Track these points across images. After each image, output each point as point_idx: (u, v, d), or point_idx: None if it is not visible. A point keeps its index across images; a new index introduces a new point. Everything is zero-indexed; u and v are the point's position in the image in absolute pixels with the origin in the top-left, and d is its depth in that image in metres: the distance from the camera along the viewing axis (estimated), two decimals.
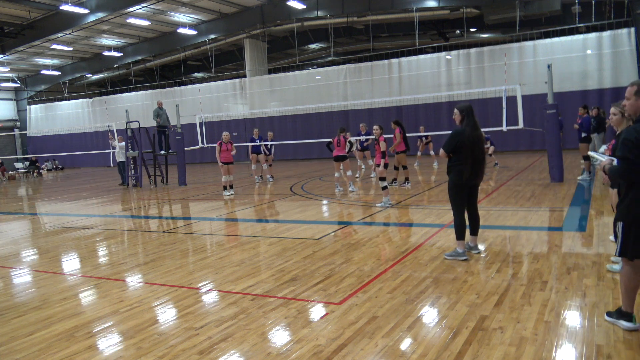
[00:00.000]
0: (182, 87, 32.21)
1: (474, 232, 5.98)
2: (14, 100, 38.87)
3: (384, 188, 9.90)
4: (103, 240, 8.55)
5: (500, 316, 4.02)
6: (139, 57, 31.77)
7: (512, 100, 14.41)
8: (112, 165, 26.71)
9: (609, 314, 3.84)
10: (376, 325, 3.97)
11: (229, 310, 4.53)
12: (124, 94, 34.71)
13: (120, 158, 18.32)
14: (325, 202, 11.44)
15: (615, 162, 3.66)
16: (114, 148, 18.67)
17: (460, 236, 5.78)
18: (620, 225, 3.62)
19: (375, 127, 10.05)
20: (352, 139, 13.76)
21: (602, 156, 3.94)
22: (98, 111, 35.32)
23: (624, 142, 3.48)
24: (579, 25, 22.42)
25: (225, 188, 13.43)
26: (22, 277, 6.29)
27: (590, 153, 4.13)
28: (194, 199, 13.52)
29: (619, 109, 4.80)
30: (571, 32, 22.66)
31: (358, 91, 26.40)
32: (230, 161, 13.36)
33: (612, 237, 6.15)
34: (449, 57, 24.69)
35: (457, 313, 4.13)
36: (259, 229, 8.74)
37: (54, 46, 28.92)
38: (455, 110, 5.83)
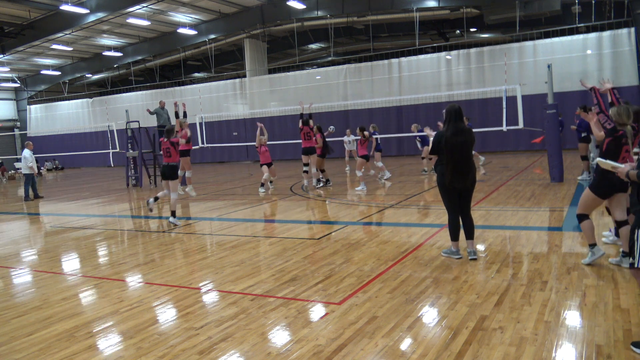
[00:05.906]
0: (182, 87, 32.17)
1: (469, 237, 5.84)
2: (14, 100, 38.85)
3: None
4: (103, 240, 8.55)
5: (500, 316, 4.02)
6: (139, 57, 31.74)
7: (512, 100, 14.40)
8: (112, 165, 26.79)
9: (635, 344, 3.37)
10: (376, 325, 3.97)
11: (229, 310, 4.53)
12: (124, 94, 34.67)
13: (26, 170, 15.65)
14: (325, 202, 11.44)
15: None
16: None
17: (453, 237, 5.78)
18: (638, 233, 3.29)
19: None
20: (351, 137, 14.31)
21: (615, 163, 3.66)
22: (98, 111, 35.28)
23: None
24: (579, 25, 22.40)
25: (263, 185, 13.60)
26: (22, 277, 6.30)
27: (600, 160, 3.87)
28: (194, 198, 13.51)
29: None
30: (571, 32, 22.63)
31: (358, 91, 26.36)
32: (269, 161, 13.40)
33: (607, 234, 6.16)
34: (449, 57, 24.66)
35: (457, 313, 4.13)
36: (259, 229, 8.74)
37: (54, 46, 28.89)
38: (444, 111, 5.76)
